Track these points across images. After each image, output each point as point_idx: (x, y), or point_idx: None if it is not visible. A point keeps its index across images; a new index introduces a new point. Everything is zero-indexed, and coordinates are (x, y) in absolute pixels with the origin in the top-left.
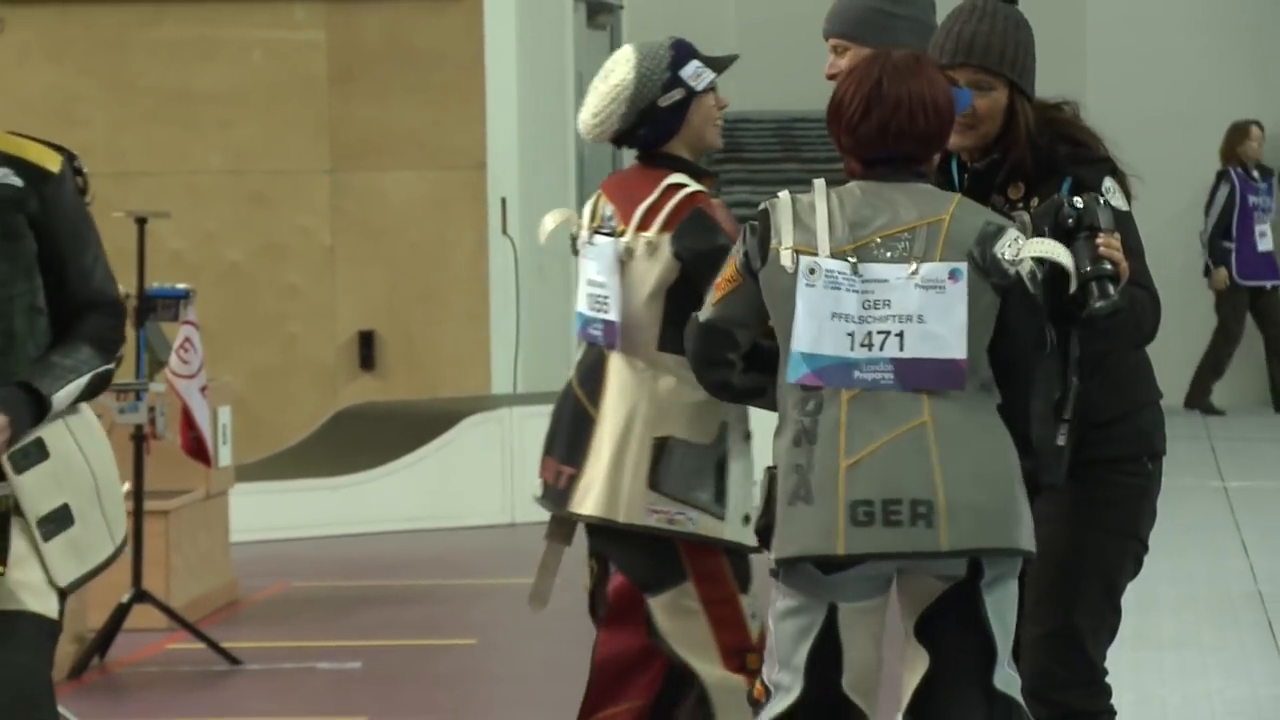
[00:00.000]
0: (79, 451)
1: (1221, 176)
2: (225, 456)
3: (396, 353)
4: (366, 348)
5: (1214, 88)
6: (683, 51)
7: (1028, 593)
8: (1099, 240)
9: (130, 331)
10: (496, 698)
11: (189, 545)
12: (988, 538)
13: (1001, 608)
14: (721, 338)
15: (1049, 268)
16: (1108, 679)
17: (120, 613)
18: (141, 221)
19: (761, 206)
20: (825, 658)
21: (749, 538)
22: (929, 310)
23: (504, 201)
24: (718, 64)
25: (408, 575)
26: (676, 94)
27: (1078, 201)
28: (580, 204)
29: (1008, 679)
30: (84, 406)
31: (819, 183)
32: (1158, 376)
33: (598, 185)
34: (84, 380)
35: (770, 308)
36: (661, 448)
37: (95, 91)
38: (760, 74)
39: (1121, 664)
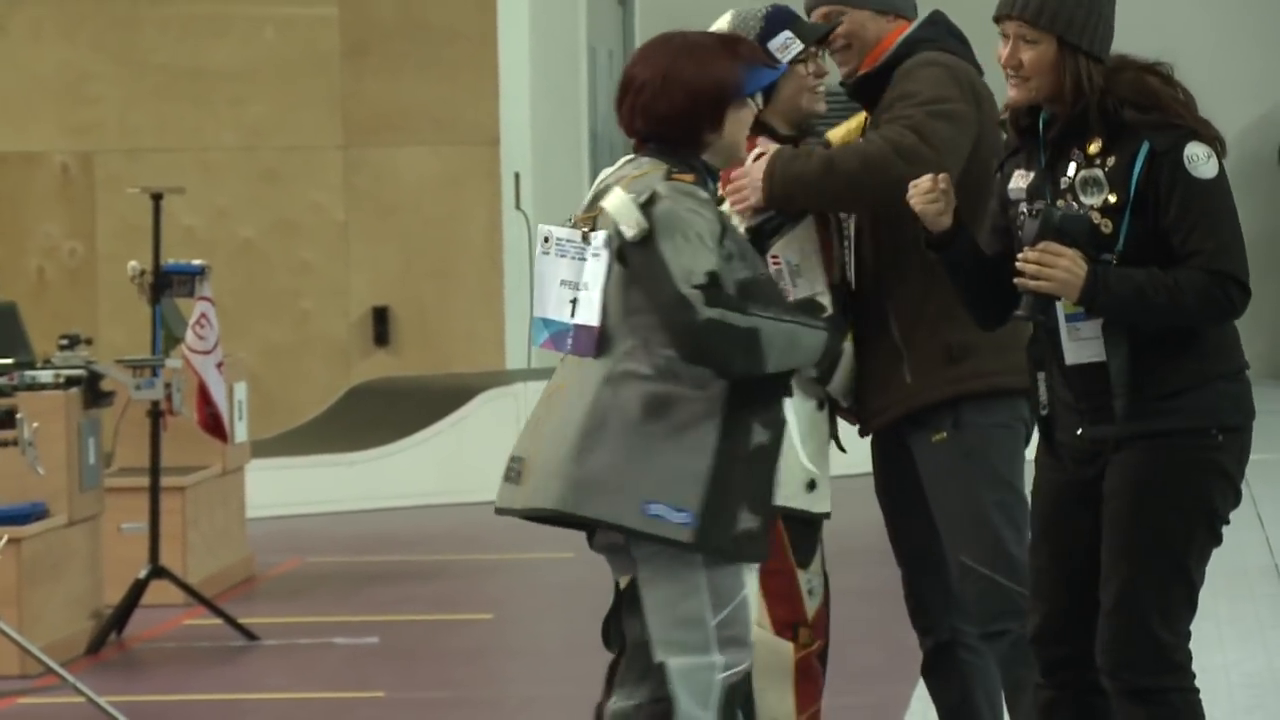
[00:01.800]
0: None
1: None
2: (241, 432)
3: (410, 328)
4: (380, 323)
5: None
6: (775, 21)
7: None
8: (1025, 254)
9: (146, 307)
10: (513, 672)
11: (205, 521)
12: (540, 496)
13: (647, 587)
14: None
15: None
16: (1179, 654)
17: (137, 588)
18: (157, 198)
19: None
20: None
21: (815, 504)
22: (590, 277)
23: (517, 176)
24: (808, 33)
25: (423, 550)
26: None
27: (1037, 208)
28: (593, 179)
29: (679, 671)
30: None
31: (625, 157)
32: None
33: (611, 160)
34: None
35: None
36: None
37: (108, 68)
38: None
39: None
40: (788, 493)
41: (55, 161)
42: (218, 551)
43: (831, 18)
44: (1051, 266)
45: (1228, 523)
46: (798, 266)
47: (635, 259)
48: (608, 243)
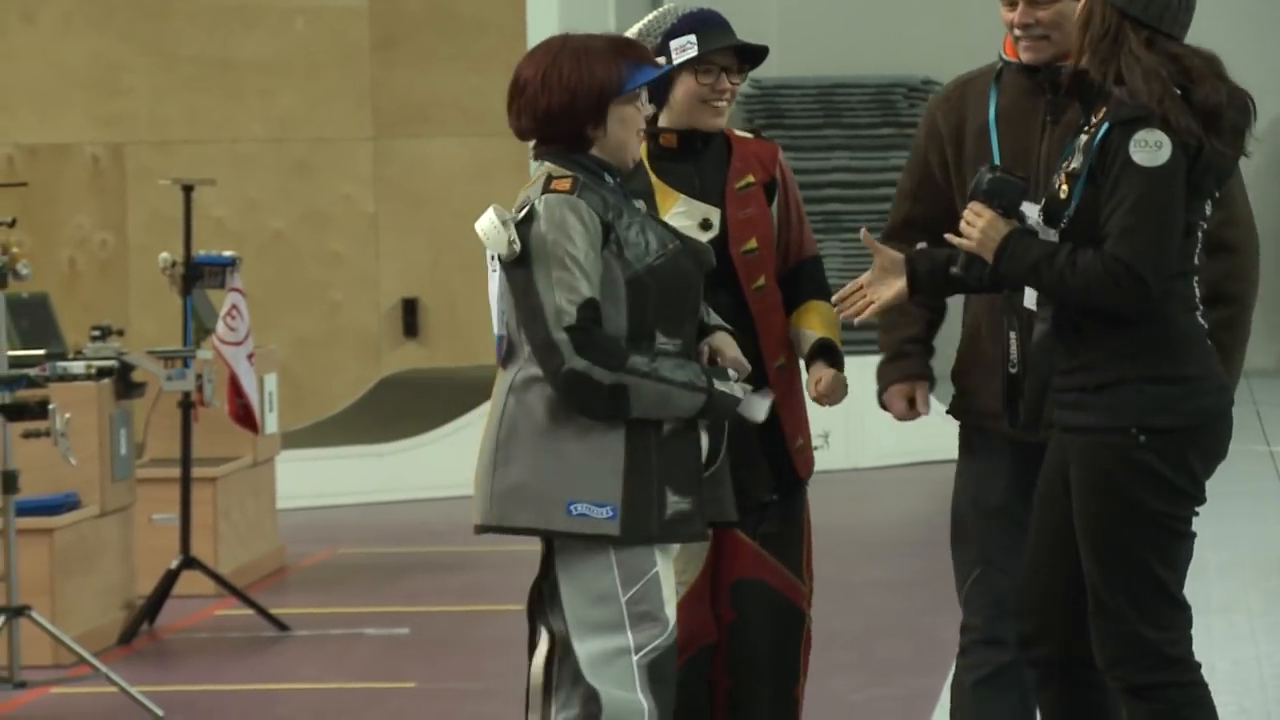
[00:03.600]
0: None
1: None
2: (272, 423)
3: (440, 320)
4: (410, 315)
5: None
6: (690, 22)
7: None
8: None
9: (177, 299)
10: None
11: (237, 512)
12: (476, 513)
13: (563, 572)
14: None
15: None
16: (1171, 649)
17: (169, 579)
18: (188, 189)
19: None
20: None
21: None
22: (497, 290)
23: None
24: (710, 42)
25: (454, 541)
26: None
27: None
28: None
29: (590, 660)
30: None
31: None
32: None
33: None
34: None
35: None
36: None
37: (138, 60)
38: (801, 39)
39: None
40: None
41: (86, 153)
42: (249, 542)
43: (1041, 2)
44: (973, 226)
45: (1187, 521)
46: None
47: (514, 281)
48: (494, 257)
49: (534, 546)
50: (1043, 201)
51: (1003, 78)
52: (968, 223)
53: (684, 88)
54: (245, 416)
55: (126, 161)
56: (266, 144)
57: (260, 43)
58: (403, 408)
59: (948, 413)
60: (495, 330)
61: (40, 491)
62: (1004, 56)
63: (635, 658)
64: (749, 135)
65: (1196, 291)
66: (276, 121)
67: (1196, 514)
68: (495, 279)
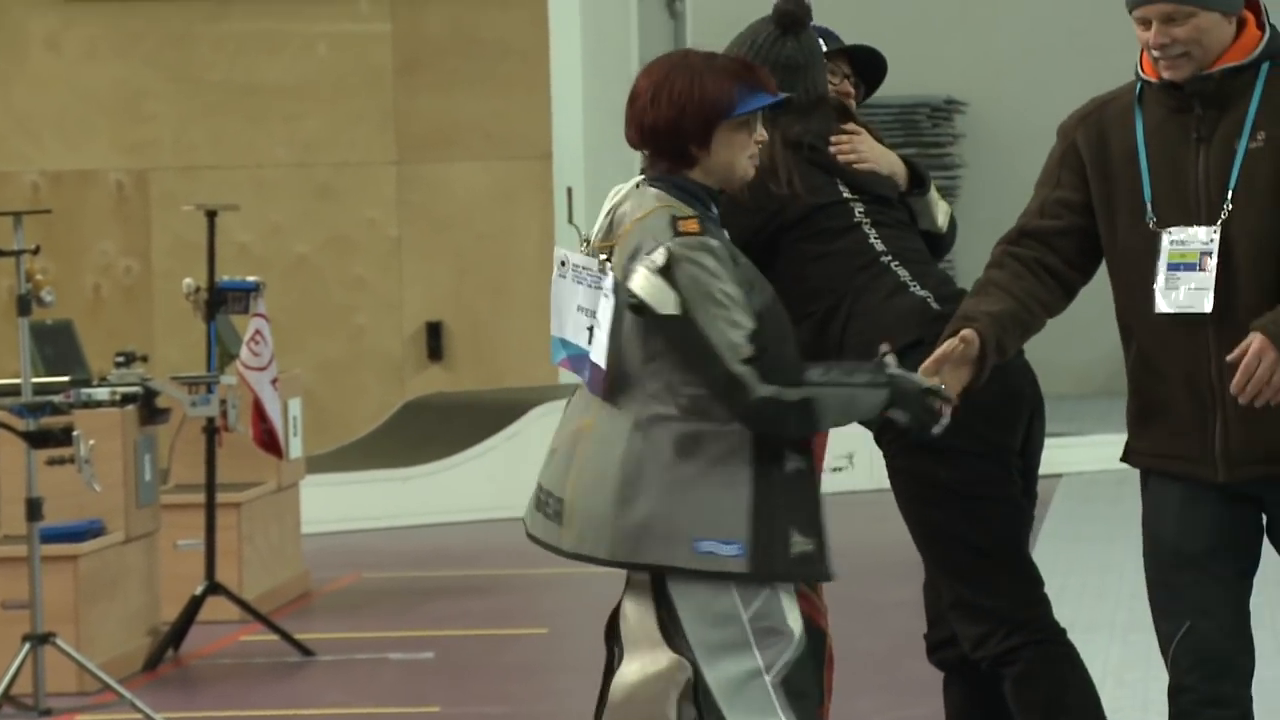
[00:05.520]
0: None
1: None
2: (296, 448)
3: (464, 344)
4: (434, 339)
5: None
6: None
7: None
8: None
9: (201, 324)
10: (568, 686)
11: (261, 537)
12: (583, 545)
13: (686, 613)
14: None
15: None
16: (1017, 612)
17: (194, 605)
18: (211, 215)
19: None
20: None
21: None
22: (602, 314)
23: (570, 191)
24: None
25: (478, 565)
26: None
27: None
28: None
29: (722, 689)
30: None
31: (636, 179)
32: None
33: None
34: None
35: None
36: None
37: (162, 86)
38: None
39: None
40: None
41: (110, 179)
42: (273, 567)
43: (1177, 19)
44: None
45: (992, 482)
46: None
47: (672, 333)
48: (615, 289)
49: (559, 570)
50: (1219, 223)
51: (1145, 98)
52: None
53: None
54: (269, 441)
55: (151, 188)
56: (290, 169)
57: (284, 68)
58: (427, 432)
59: None
60: (596, 359)
61: (64, 518)
62: (1142, 75)
63: (768, 678)
64: None
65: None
66: (300, 146)
67: (1010, 473)
68: (604, 304)
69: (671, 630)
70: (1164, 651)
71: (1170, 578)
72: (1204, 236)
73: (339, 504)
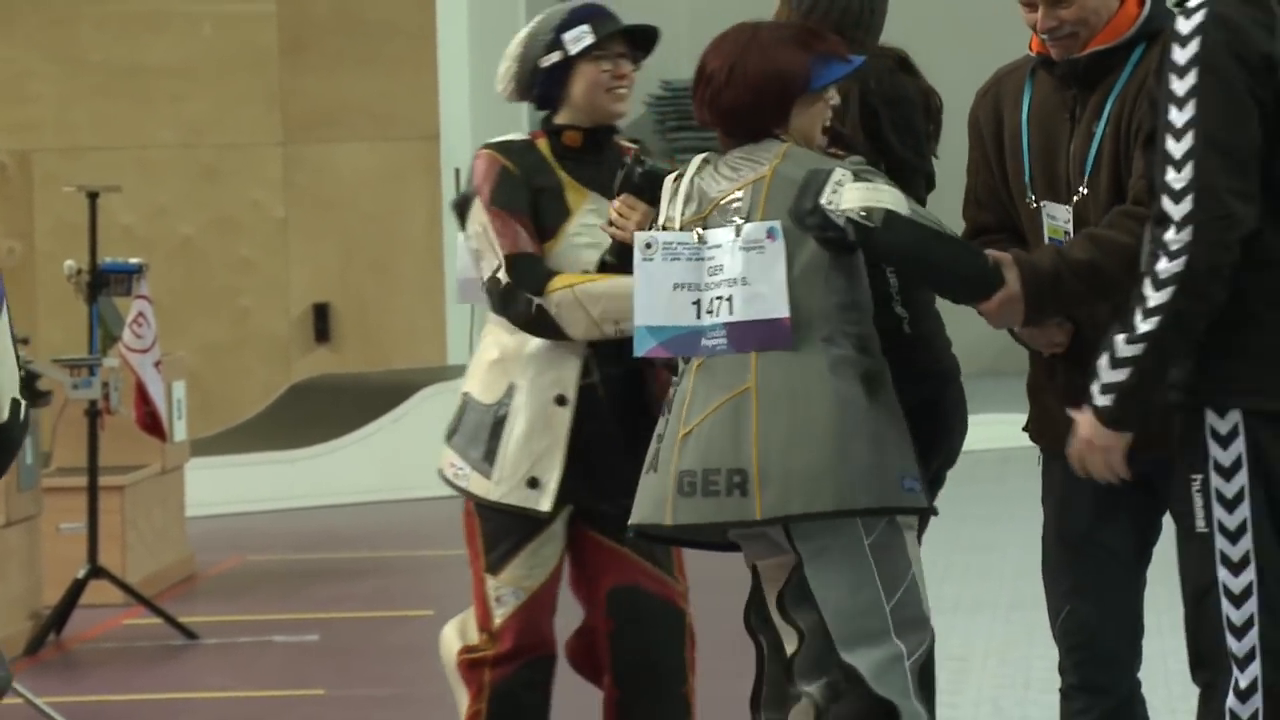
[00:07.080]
0: None
1: None
2: (180, 431)
3: (350, 325)
4: (320, 320)
5: None
6: (579, 14)
7: None
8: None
9: (83, 306)
10: None
11: (144, 520)
12: (793, 504)
13: (826, 578)
14: None
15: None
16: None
17: (76, 588)
18: (93, 196)
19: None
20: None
21: (532, 502)
22: (752, 271)
23: (457, 172)
24: (602, 28)
25: (364, 548)
26: (554, 56)
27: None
28: None
29: (863, 655)
30: None
31: (698, 157)
32: None
33: None
34: None
35: None
36: (462, 404)
37: (45, 66)
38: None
39: None
40: (505, 489)
41: None
42: (157, 551)
43: (1063, 1)
44: (627, 219)
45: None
46: None
47: (899, 232)
48: (771, 233)
49: (444, 552)
50: (1072, 204)
51: (1036, 73)
52: (621, 215)
53: (584, 79)
54: (152, 424)
55: (33, 169)
56: (175, 150)
57: (168, 48)
58: (313, 413)
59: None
60: (761, 314)
61: None
62: (1031, 55)
63: (906, 664)
64: (632, 145)
65: None
66: (185, 127)
67: None
68: (756, 260)
69: (796, 603)
70: (1052, 632)
71: (1054, 557)
72: (1064, 216)
73: (225, 486)
